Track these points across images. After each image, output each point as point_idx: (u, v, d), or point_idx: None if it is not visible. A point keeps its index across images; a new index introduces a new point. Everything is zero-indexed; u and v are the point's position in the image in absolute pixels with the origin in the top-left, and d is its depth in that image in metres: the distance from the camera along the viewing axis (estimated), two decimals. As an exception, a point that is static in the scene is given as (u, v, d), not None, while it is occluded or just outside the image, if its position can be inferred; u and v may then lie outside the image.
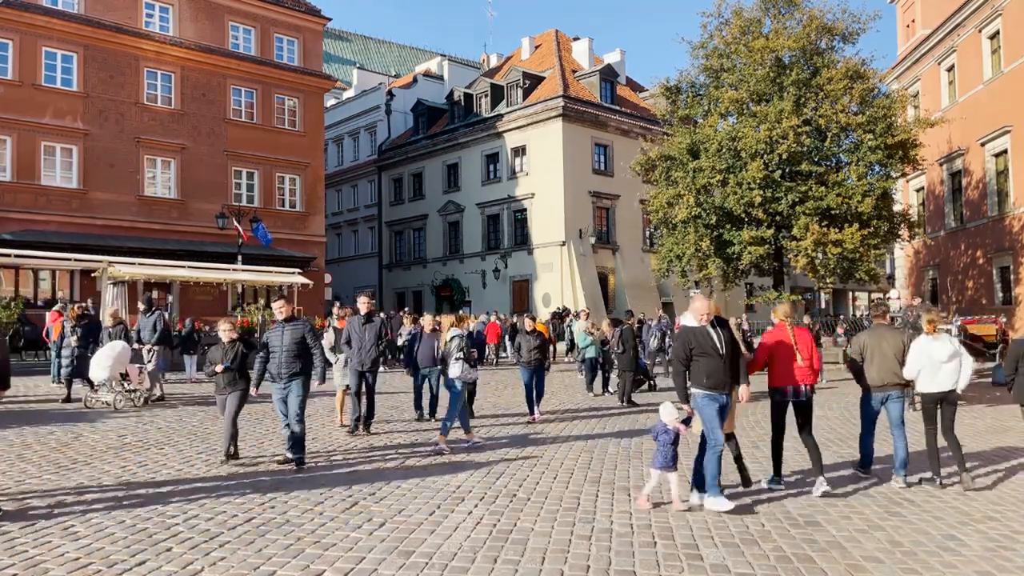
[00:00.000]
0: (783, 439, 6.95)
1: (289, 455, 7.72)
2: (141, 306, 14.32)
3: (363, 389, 9.71)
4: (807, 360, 6.68)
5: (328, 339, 10.60)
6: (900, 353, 7.16)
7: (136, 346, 12.92)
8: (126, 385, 12.19)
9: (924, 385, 7.08)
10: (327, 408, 11.92)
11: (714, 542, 5.24)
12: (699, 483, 6.25)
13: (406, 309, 29.36)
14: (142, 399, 12.43)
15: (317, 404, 12.61)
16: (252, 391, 7.87)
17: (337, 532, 5.41)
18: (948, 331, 14.83)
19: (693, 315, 6.35)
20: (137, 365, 12.54)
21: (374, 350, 9.56)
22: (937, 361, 6.95)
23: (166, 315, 15.47)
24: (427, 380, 11.00)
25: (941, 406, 7.10)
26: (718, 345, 6.21)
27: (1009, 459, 8.36)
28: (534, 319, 11.90)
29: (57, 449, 8.56)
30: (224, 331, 8.05)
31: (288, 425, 7.72)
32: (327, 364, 8.85)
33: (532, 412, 11.35)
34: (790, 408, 6.91)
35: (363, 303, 9.84)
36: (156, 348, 13.42)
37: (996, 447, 9.15)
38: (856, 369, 7.39)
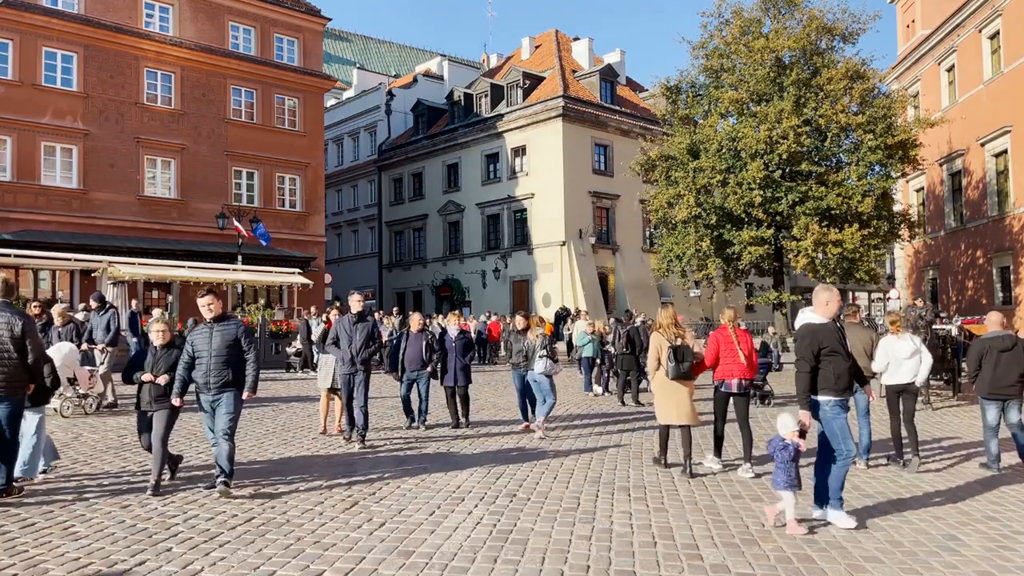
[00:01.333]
0: (723, 425, 7.74)
1: (219, 472, 6.45)
2: (93, 303, 12.74)
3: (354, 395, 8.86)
4: (747, 358, 7.49)
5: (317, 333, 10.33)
6: (869, 348, 8.04)
7: (87, 346, 11.85)
8: (76, 390, 10.95)
9: (887, 378, 8.04)
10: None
11: (714, 542, 5.24)
12: (819, 497, 5.78)
13: (411, 312, 29.36)
14: (94, 405, 11.47)
15: (311, 408, 12.59)
16: (174, 401, 6.54)
17: (337, 532, 5.41)
18: (949, 331, 14.93)
19: (820, 310, 5.77)
20: (87, 368, 11.39)
21: (365, 352, 8.76)
22: (900, 358, 7.90)
23: (169, 312, 14.86)
24: (415, 384, 10.33)
25: (902, 397, 8.02)
26: (846, 343, 5.83)
27: (1009, 459, 8.35)
28: (527, 317, 10.72)
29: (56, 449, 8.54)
30: (156, 332, 6.74)
31: (223, 437, 6.48)
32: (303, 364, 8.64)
33: (525, 418, 10.39)
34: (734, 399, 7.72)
35: (356, 301, 9.07)
36: (109, 349, 12.28)
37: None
38: None
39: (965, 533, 5.51)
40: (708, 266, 23.23)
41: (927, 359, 8.00)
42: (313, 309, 22.03)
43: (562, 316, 28.84)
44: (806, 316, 5.89)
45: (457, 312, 11.46)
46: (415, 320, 10.61)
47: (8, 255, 20.24)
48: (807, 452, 6.07)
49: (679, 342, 7.45)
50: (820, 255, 21.21)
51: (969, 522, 5.80)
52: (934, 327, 14.16)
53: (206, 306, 6.56)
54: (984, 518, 5.92)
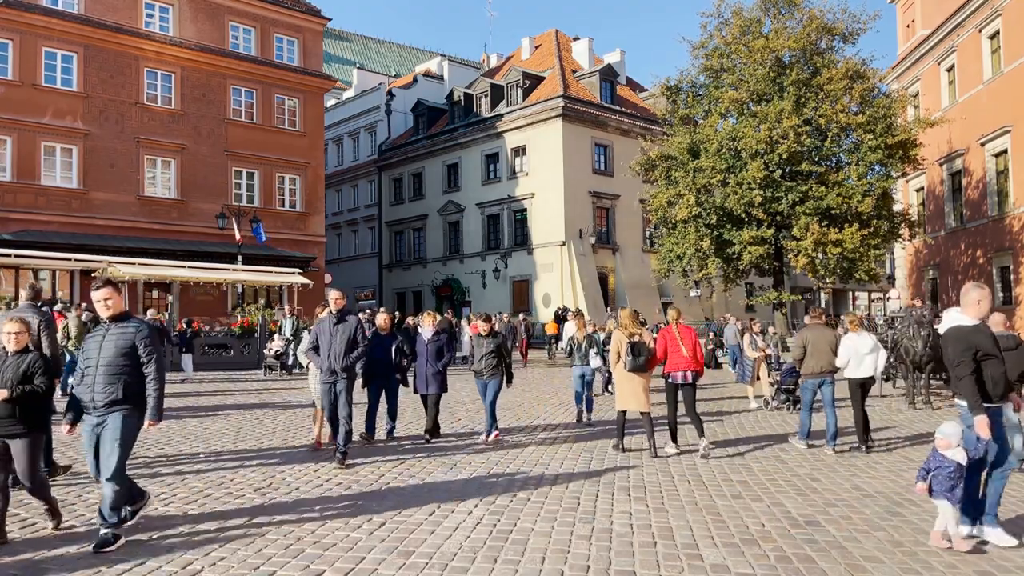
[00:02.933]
0: (676, 413, 8.56)
1: (101, 524, 4.97)
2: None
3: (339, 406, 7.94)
4: (690, 352, 8.39)
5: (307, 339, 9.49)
6: (833, 346, 8.85)
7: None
8: None
9: (850, 372, 8.83)
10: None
11: (714, 542, 5.24)
12: (968, 511, 5.26)
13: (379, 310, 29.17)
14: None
15: (310, 409, 12.59)
16: (64, 428, 5.09)
17: (337, 532, 5.41)
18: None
19: (970, 310, 5.32)
20: None
21: (347, 359, 7.78)
22: (860, 353, 8.74)
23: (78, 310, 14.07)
24: (385, 391, 9.45)
25: (861, 388, 8.85)
26: (1000, 346, 5.40)
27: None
28: (489, 319, 9.73)
29: (56, 449, 8.54)
30: (8, 334, 5.23)
31: (106, 477, 4.97)
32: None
33: (489, 431, 9.26)
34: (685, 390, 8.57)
35: (335, 298, 8.12)
36: None
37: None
38: (800, 361, 9.07)
39: (965, 533, 5.49)
40: (708, 266, 23.25)
41: (883, 354, 9.01)
42: (287, 308, 21.89)
43: (561, 316, 28.85)
44: (953, 317, 5.43)
45: (431, 312, 10.17)
46: (382, 319, 9.69)
47: (8, 255, 20.24)
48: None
49: (636, 339, 8.41)
50: (820, 255, 21.24)
51: (969, 522, 5.78)
52: (935, 327, 14.16)
53: (102, 301, 5.12)
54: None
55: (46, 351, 6.64)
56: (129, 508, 5.28)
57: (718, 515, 5.92)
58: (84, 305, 17.32)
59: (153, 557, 4.83)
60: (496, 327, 10.02)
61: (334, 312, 8.03)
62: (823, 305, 48.43)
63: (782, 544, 5.21)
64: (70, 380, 13.37)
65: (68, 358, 13.58)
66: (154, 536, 5.28)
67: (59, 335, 13.54)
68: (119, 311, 5.19)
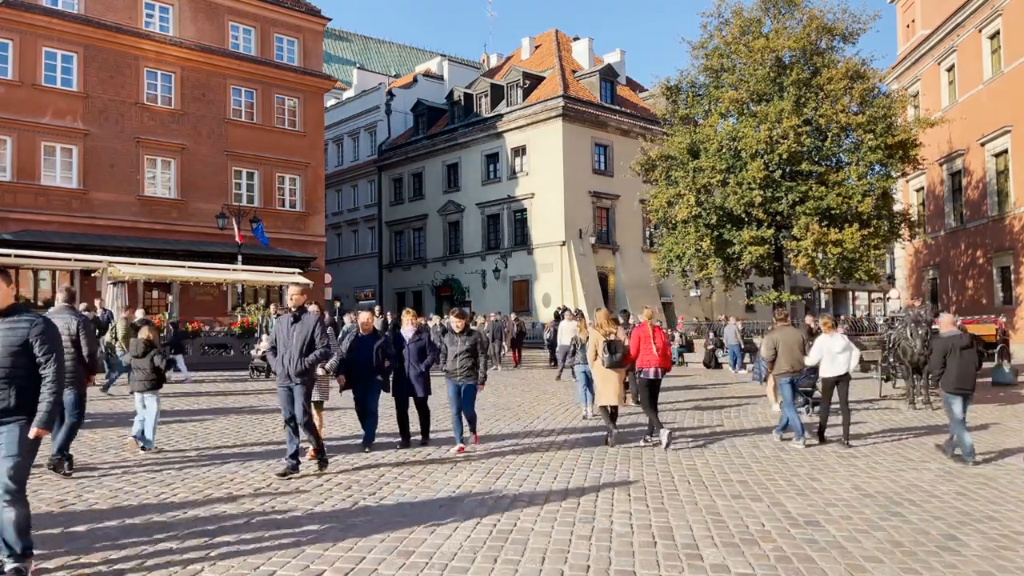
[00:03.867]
0: (652, 405, 9.15)
1: (7, 557, 4.21)
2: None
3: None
4: (659, 350, 9.06)
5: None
6: (801, 344, 9.48)
7: None
8: None
9: (824, 371, 9.31)
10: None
11: (714, 542, 5.24)
12: None
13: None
14: None
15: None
16: None
17: (337, 532, 5.41)
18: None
19: None
20: None
21: (302, 363, 7.06)
22: (833, 352, 9.16)
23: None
24: (365, 393, 8.68)
25: (838, 386, 9.27)
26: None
27: (1009, 459, 8.36)
28: (463, 315, 9.08)
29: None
30: None
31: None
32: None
33: (460, 439, 8.65)
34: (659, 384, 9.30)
35: (292, 293, 7.35)
36: None
37: (999, 447, 9.13)
38: (772, 361, 9.61)
39: (965, 533, 5.50)
40: (708, 266, 23.23)
41: (855, 353, 9.37)
42: (272, 308, 21.58)
43: (561, 316, 28.86)
44: None
45: (410, 310, 9.42)
46: (365, 318, 9.04)
47: (8, 255, 20.20)
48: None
49: (612, 337, 8.97)
50: (820, 255, 21.23)
51: (969, 522, 5.80)
52: (933, 327, 14.16)
53: None
54: (984, 518, 5.92)
55: (85, 348, 7.04)
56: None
57: (718, 515, 5.92)
58: (86, 304, 17.30)
59: (153, 557, 4.83)
60: (472, 324, 9.92)
61: (292, 309, 7.23)
62: (823, 305, 48.49)
63: (782, 544, 5.21)
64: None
65: (118, 357, 13.81)
66: (154, 536, 5.28)
67: (107, 336, 13.91)
68: (7, 304, 4.36)
